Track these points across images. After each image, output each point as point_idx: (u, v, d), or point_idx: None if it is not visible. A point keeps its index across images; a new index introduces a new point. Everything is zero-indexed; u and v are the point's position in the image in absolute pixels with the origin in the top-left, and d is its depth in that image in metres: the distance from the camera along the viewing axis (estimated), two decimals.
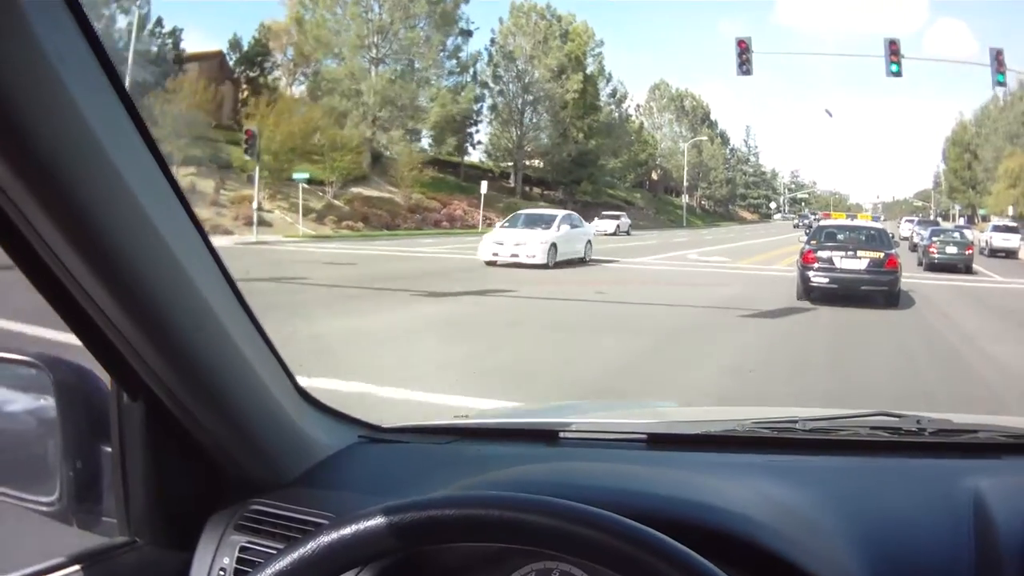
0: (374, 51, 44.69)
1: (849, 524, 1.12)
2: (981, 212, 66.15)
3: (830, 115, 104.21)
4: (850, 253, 14.84)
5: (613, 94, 62.37)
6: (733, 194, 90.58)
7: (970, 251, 24.54)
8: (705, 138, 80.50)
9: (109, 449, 1.22)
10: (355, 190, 39.17)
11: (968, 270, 23.84)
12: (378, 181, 42.39)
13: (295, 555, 0.86)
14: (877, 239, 15.80)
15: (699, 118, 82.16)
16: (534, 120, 54.73)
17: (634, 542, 0.84)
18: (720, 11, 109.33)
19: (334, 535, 0.86)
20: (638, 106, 77.02)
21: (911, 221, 43.87)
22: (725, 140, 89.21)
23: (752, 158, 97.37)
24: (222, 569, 1.23)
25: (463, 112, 49.80)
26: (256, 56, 46.76)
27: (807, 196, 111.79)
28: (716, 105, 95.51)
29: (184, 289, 1.02)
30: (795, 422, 1.45)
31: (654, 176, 75.80)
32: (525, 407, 4.89)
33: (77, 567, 1.23)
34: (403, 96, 44.73)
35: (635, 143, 69.43)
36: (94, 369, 1.20)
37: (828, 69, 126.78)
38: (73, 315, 1.02)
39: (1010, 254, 31.79)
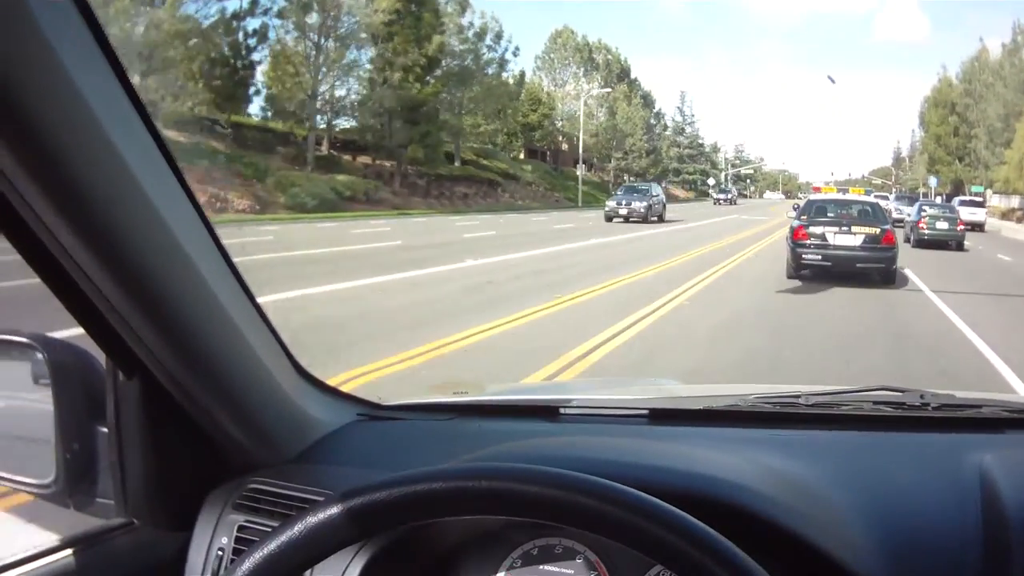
0: None
1: (854, 497, 1.12)
2: (975, 189, 52.14)
3: (833, 81, 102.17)
4: (844, 229, 14.42)
5: (481, 34, 47.04)
6: (662, 168, 75.54)
7: (961, 227, 24.18)
8: (605, 89, 65.61)
9: (106, 430, 1.21)
10: None
11: (960, 246, 23.51)
12: None
13: (285, 535, 0.85)
14: (871, 214, 15.42)
15: (614, 75, 68.94)
16: (335, 59, 37.89)
17: (633, 509, 0.83)
18: None
19: (323, 514, 0.85)
20: (536, 58, 66.44)
21: (884, 198, 40.82)
22: (649, 102, 74.69)
23: (688, 128, 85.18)
24: (220, 549, 1.23)
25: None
26: None
27: (752, 172, 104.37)
28: (659, 83, 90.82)
29: (180, 266, 1.01)
30: (798, 397, 1.45)
31: (563, 145, 62.83)
32: (526, 384, 4.92)
33: (74, 549, 1.23)
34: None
35: (520, 101, 55.90)
36: (89, 349, 1.19)
37: (777, 46, 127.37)
38: (67, 293, 1.00)
39: (976, 227, 32.45)
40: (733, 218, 40.86)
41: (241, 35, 34.66)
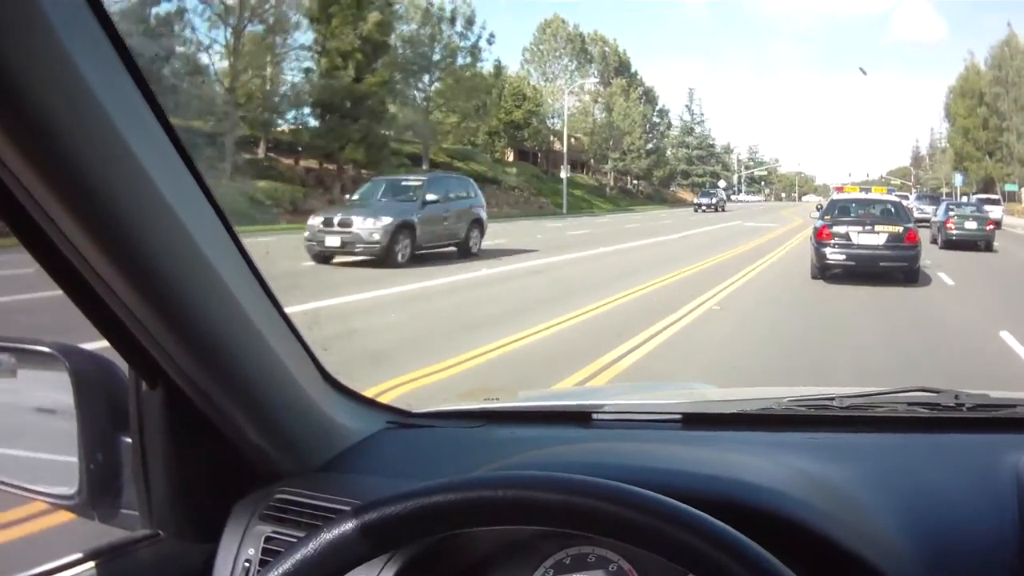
0: None
1: (890, 501, 1.10)
2: (1009, 188, 48.19)
3: (864, 73, 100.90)
4: (867, 228, 14.38)
5: (450, 19, 41.25)
6: (669, 170, 71.08)
7: (991, 226, 22.82)
8: (594, 79, 58.59)
9: (129, 440, 1.19)
10: None
11: (989, 247, 22.26)
12: None
13: (300, 553, 0.83)
14: (894, 213, 15.37)
15: (612, 68, 61.86)
16: (264, 47, 32.14)
17: (654, 514, 0.81)
18: None
19: (338, 530, 0.84)
20: (524, 50, 58.43)
21: (904, 198, 37.70)
22: (651, 98, 66.55)
23: (697, 127, 77.90)
24: (247, 561, 1.21)
25: None
26: None
27: (766, 174, 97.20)
28: (670, 84, 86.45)
29: (201, 271, 0.99)
30: (832, 399, 1.43)
31: (556, 146, 53.77)
32: (557, 390, 4.88)
33: (98, 561, 1.21)
34: None
35: (504, 96, 49.79)
36: (112, 358, 1.17)
37: (792, 46, 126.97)
38: (87, 302, 0.99)
39: (996, 224, 30.69)
40: (732, 227, 33.79)
41: (153, 21, 28.92)
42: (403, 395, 6.14)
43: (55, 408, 1.21)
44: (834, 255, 14.21)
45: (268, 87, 33.07)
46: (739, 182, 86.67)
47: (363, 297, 11.56)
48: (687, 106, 78.82)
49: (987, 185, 50.24)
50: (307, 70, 33.70)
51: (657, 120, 68.50)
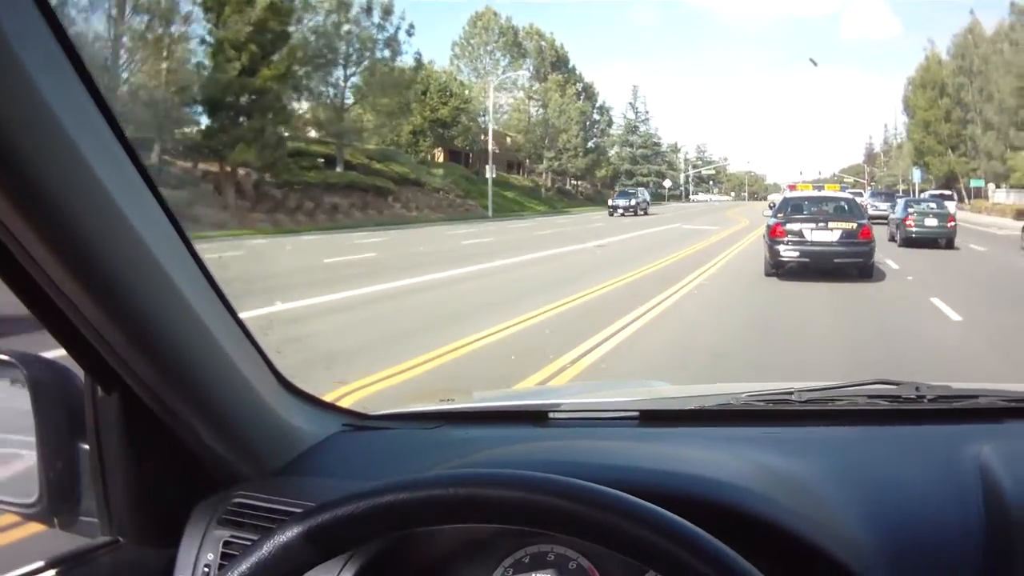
0: None
1: (852, 494, 1.10)
2: (974, 184, 46.17)
3: (815, 64, 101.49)
4: (821, 225, 14.58)
5: (366, 8, 38.25)
6: (612, 169, 68.14)
7: (952, 223, 22.11)
8: (525, 73, 55.46)
9: (87, 447, 1.19)
10: None
11: (950, 244, 21.70)
12: None
13: (254, 557, 0.83)
14: (848, 210, 15.58)
15: (548, 63, 58.57)
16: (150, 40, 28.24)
17: (608, 509, 0.80)
18: None
19: (291, 532, 0.84)
20: (453, 44, 55.46)
21: (858, 195, 36.13)
22: (591, 94, 63.43)
23: (641, 126, 75.06)
24: (207, 566, 1.21)
25: None
26: None
27: (714, 173, 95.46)
28: (617, 85, 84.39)
29: (154, 277, 0.99)
30: (790, 393, 1.43)
31: (493, 147, 49.89)
32: (514, 390, 4.82)
33: (59, 569, 1.20)
34: None
35: (429, 93, 47.43)
36: (70, 366, 1.16)
37: (743, 47, 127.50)
38: (41, 307, 0.98)
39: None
40: (670, 231, 31.21)
41: None
42: (360, 399, 5.96)
43: (13, 416, 1.20)
44: (788, 252, 14.38)
45: (154, 84, 29.49)
46: (686, 181, 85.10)
47: None
48: (631, 104, 76.54)
49: (949, 181, 48.23)
50: (198, 64, 30.50)
51: (597, 117, 65.95)
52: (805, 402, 1.42)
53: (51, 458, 1.17)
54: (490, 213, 41.45)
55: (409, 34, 40.82)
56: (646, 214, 46.23)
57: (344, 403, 1.98)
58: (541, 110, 58.10)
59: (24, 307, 0.99)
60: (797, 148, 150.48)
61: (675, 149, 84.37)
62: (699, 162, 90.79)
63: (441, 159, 50.53)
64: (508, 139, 56.28)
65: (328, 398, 1.60)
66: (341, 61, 38.30)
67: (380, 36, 39.49)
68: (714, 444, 1.28)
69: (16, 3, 0.79)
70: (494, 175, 44.86)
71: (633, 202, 47.30)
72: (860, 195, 37.27)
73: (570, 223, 37.58)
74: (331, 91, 38.47)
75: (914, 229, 21.94)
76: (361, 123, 39.78)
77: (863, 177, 68.85)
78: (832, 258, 14.35)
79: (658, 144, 78.19)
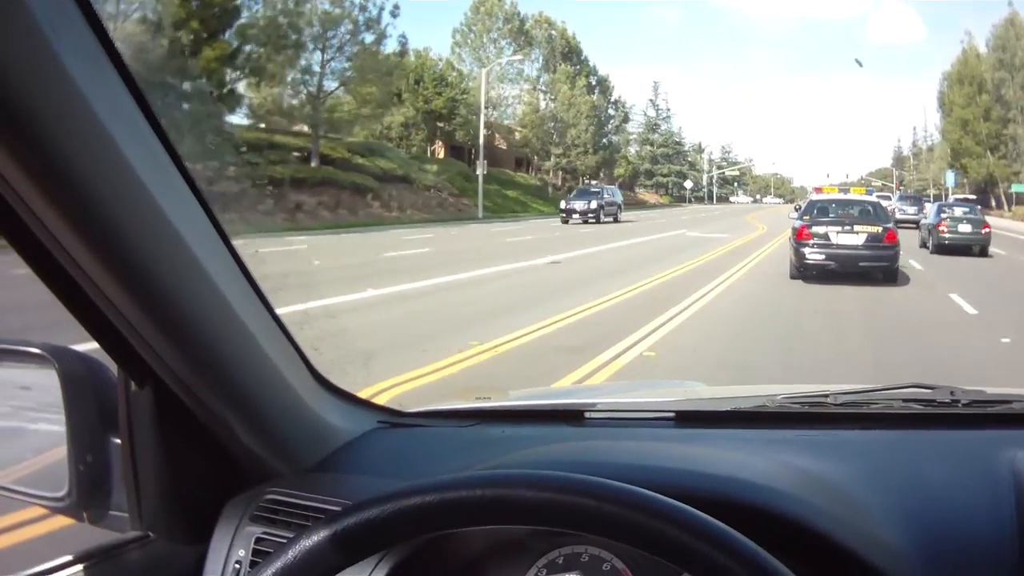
0: None
1: (885, 497, 1.10)
2: (1016, 189, 41.62)
3: (860, 64, 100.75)
4: (847, 228, 14.52)
5: None
6: (632, 168, 65.12)
7: (987, 230, 21.23)
8: (518, 58, 50.45)
9: (119, 441, 1.18)
10: None
11: (984, 252, 20.76)
12: None
13: (281, 561, 0.82)
14: (873, 213, 15.55)
15: (558, 53, 54.11)
16: None
17: (641, 509, 0.80)
18: None
19: (318, 536, 0.83)
20: (454, 32, 50.64)
21: (886, 198, 34.55)
22: (605, 88, 59.06)
23: (662, 124, 70.67)
24: (237, 562, 1.20)
25: None
26: None
27: (738, 174, 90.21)
28: (642, 86, 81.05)
29: (190, 271, 0.98)
30: (826, 396, 1.43)
31: (496, 140, 48.29)
32: (550, 389, 4.81)
33: (88, 563, 1.20)
34: None
35: (415, 79, 43.62)
36: (101, 359, 1.16)
37: (770, 50, 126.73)
38: (75, 302, 0.98)
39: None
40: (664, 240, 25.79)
41: None
42: (397, 396, 5.90)
43: (45, 409, 1.20)
44: (813, 255, 14.33)
45: None
46: (710, 183, 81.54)
47: None
48: (651, 100, 71.54)
49: (987, 185, 44.87)
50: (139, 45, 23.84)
51: (612, 113, 61.35)
52: (840, 405, 1.41)
53: (82, 452, 1.17)
54: (480, 214, 36.61)
55: (394, 15, 37.79)
56: (615, 221, 35.37)
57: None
58: (551, 104, 54.20)
59: (57, 300, 0.98)
60: (824, 151, 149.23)
61: (699, 149, 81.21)
62: (724, 163, 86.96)
63: (442, 154, 47.48)
64: (516, 134, 53.30)
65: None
66: (315, 44, 34.35)
67: (361, 17, 35.40)
68: (750, 446, 1.28)
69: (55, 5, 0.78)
70: (485, 171, 39.67)
71: (593, 204, 34.77)
72: (888, 199, 35.67)
73: (566, 227, 31.72)
74: (303, 77, 34.52)
75: (947, 235, 21.09)
76: (339, 113, 35.45)
77: (891, 181, 66.95)
78: (857, 261, 14.30)
79: (680, 143, 73.88)
